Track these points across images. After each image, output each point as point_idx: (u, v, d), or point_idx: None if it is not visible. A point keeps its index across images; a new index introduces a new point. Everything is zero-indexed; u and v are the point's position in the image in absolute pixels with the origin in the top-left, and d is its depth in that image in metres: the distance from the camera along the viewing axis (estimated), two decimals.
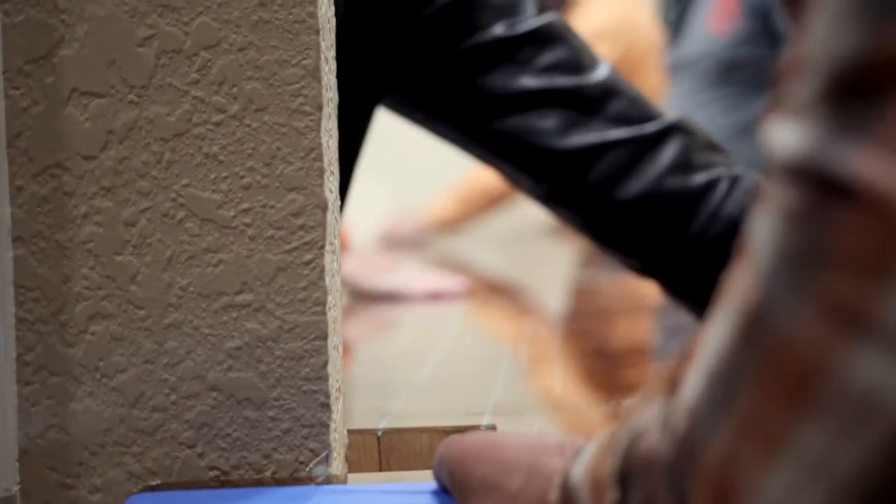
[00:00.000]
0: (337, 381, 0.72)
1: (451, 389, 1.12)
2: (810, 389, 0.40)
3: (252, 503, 0.65)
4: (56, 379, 0.71)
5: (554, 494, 0.56)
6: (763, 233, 0.41)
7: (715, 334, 0.44)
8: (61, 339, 0.71)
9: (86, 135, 0.71)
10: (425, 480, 0.66)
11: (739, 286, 0.42)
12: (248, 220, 0.71)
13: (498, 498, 0.59)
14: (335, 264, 0.73)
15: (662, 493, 0.46)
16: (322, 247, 0.71)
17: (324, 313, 0.71)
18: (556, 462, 0.57)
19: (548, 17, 1.05)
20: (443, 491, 0.64)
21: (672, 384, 0.47)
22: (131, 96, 0.71)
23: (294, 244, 0.71)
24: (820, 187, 0.39)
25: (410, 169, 2.78)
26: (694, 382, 0.44)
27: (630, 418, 0.49)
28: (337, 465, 0.72)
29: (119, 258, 0.71)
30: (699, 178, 1.02)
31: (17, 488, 0.70)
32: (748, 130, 2.12)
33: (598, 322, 1.66)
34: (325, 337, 0.72)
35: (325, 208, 0.71)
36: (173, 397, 0.71)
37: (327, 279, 0.72)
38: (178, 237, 0.71)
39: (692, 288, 1.03)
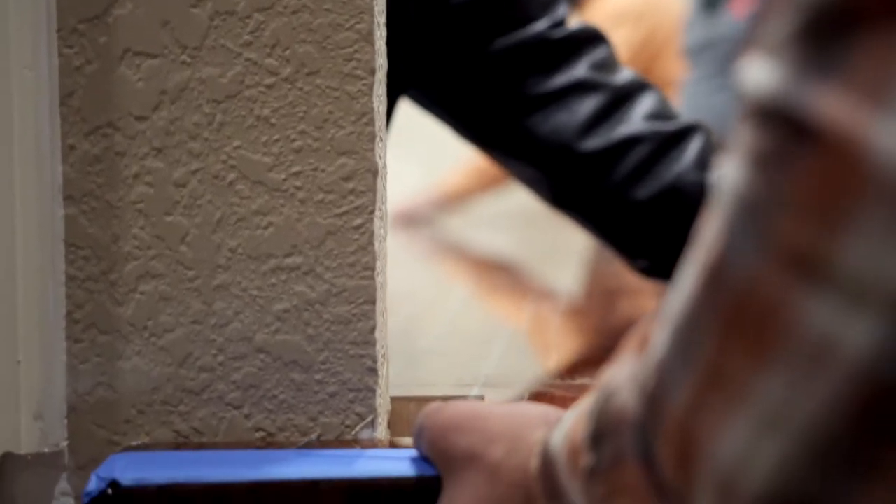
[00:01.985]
0: (383, 346, 0.72)
1: (445, 361, 1.12)
2: (768, 338, 0.38)
3: (228, 466, 0.64)
4: (105, 337, 0.70)
5: (534, 462, 0.54)
6: (729, 179, 0.40)
7: (681, 288, 0.42)
8: (111, 298, 0.70)
9: (138, 95, 0.70)
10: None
11: (705, 237, 0.41)
12: (298, 183, 0.70)
13: (480, 467, 0.57)
14: (383, 230, 0.72)
15: (630, 452, 0.45)
16: (372, 211, 0.70)
17: (372, 278, 0.71)
18: (539, 432, 0.56)
19: (583, 22, 1.05)
20: (423, 459, 0.62)
21: (644, 342, 0.45)
22: (184, 57, 0.70)
23: (344, 208, 0.70)
24: (785, 128, 0.37)
25: (441, 147, 2.76)
26: (661, 337, 0.43)
27: (604, 381, 0.48)
28: (381, 430, 0.71)
29: (169, 219, 0.70)
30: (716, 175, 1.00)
31: (65, 444, 0.70)
32: None
33: (612, 302, 1.65)
34: (373, 301, 0.71)
35: (375, 173, 0.70)
36: (220, 358, 0.71)
37: (376, 244, 0.71)
38: (229, 199, 0.70)
39: None
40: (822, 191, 0.37)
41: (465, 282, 1.80)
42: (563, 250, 2.37)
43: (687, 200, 0.99)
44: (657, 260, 1.02)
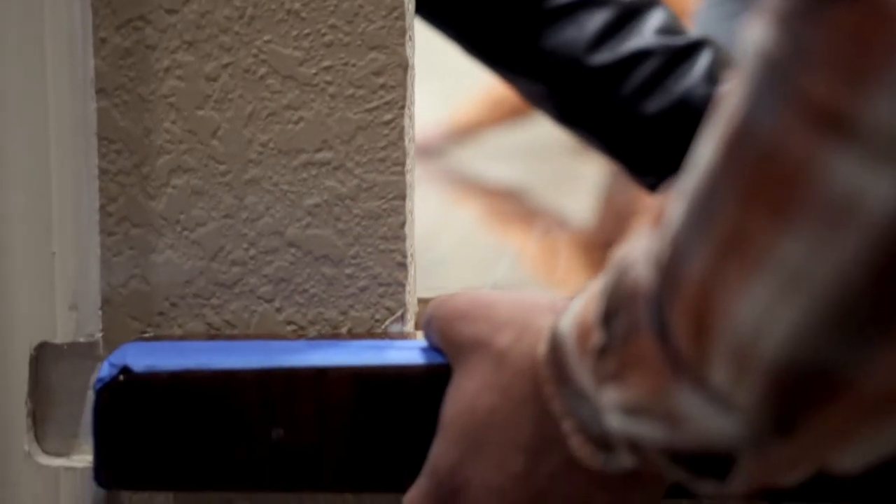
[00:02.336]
0: (412, 244, 0.72)
1: (451, 271, 1.12)
2: (790, 198, 0.38)
3: (239, 354, 0.65)
4: (138, 230, 0.71)
5: (542, 348, 0.54)
6: (754, 40, 0.39)
7: (698, 160, 0.42)
8: (143, 192, 0.71)
9: None
10: None
11: (726, 105, 0.40)
12: (329, 77, 0.70)
13: (487, 353, 0.57)
14: (412, 129, 0.72)
15: (644, 325, 0.44)
16: (402, 107, 0.70)
17: (402, 174, 0.71)
18: (547, 319, 0.55)
19: None
20: (433, 350, 0.63)
21: (658, 218, 0.45)
22: None
23: (375, 103, 0.70)
24: None
25: (455, 80, 2.71)
26: (677, 208, 0.42)
27: (619, 257, 0.48)
28: (411, 325, 0.72)
29: (200, 113, 0.70)
30: None
31: (99, 335, 0.71)
32: None
33: (626, 233, 1.64)
34: (403, 197, 0.71)
35: (405, 68, 0.70)
36: (252, 252, 0.71)
37: (406, 140, 0.71)
38: (259, 93, 0.70)
39: None
40: (850, 44, 0.36)
41: (474, 210, 1.80)
42: (577, 182, 2.35)
43: (697, 115, 0.98)
44: (666, 177, 1.02)
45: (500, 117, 2.45)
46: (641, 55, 0.99)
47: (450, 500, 0.58)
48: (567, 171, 2.56)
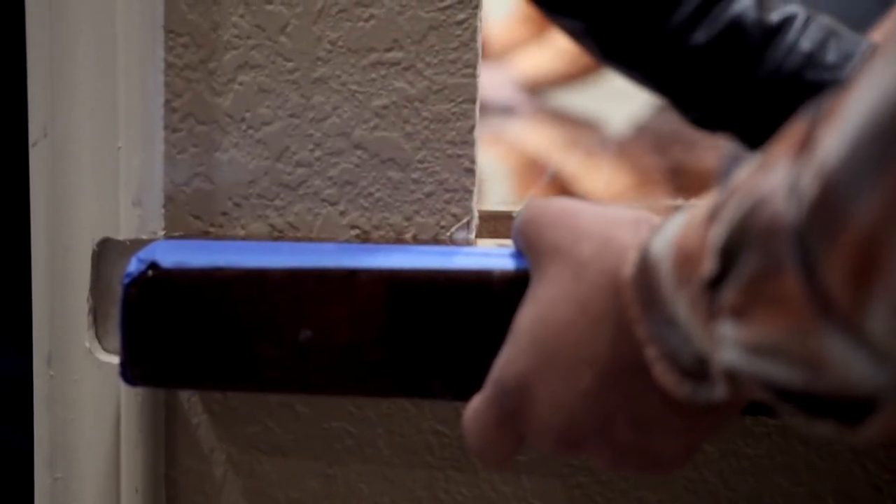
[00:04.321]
0: (479, 149, 0.69)
1: (491, 188, 1.09)
2: None
3: (270, 254, 0.63)
4: (203, 127, 0.69)
5: (629, 269, 0.51)
6: None
7: (870, 89, 0.38)
8: (209, 88, 0.68)
9: None
10: None
11: None
12: None
13: (567, 263, 0.54)
14: (480, 31, 0.69)
15: (789, 261, 0.40)
16: (476, 7, 0.67)
17: (474, 76, 0.67)
18: (629, 235, 0.52)
19: None
20: (518, 254, 0.60)
21: (801, 146, 0.40)
22: None
23: (447, 2, 0.67)
24: None
25: None
26: (836, 141, 0.38)
27: (743, 187, 0.43)
28: (475, 233, 0.69)
29: (269, 7, 0.68)
30: (775, 15, 0.94)
31: (162, 233, 0.69)
32: None
33: (666, 147, 1.59)
34: (473, 100, 0.68)
35: None
36: (317, 153, 0.68)
37: (477, 42, 0.68)
38: None
39: (767, 130, 0.96)
40: None
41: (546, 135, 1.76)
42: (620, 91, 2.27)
43: (745, 41, 0.93)
44: (712, 109, 0.97)
45: (576, 74, 2.37)
46: None
47: (514, 411, 0.55)
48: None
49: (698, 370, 0.49)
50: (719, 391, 0.48)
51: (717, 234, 0.44)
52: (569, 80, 2.41)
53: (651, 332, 0.50)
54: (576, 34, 1.00)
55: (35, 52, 0.68)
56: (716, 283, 0.44)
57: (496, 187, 1.15)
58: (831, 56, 0.93)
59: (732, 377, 0.45)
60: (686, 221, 0.48)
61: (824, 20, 0.95)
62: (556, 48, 2.34)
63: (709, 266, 0.44)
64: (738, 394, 0.47)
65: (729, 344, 0.44)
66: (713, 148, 1.46)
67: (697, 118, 0.99)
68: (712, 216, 0.45)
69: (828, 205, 0.38)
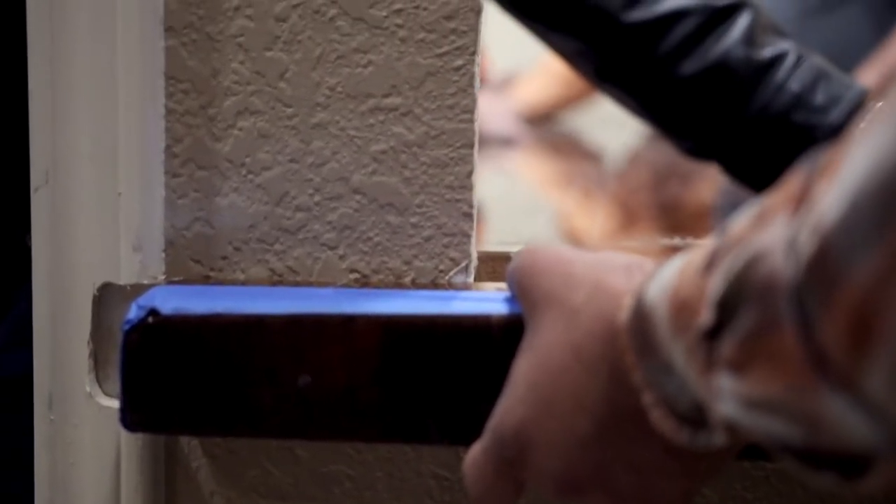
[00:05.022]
0: (476, 193, 0.69)
1: (490, 222, 1.09)
2: None
3: (268, 299, 0.63)
4: (203, 172, 0.69)
5: (624, 315, 0.51)
6: None
7: (871, 148, 0.38)
8: (209, 133, 0.69)
9: None
10: None
11: None
12: (399, 20, 0.67)
13: (560, 310, 0.54)
14: (477, 77, 0.69)
15: (786, 317, 0.40)
16: (473, 53, 0.67)
17: (472, 121, 0.68)
18: (621, 281, 0.52)
19: None
20: (513, 300, 0.60)
21: (799, 201, 0.40)
22: None
23: (445, 48, 0.67)
24: None
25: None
26: (834, 200, 0.37)
27: (741, 239, 0.43)
28: (473, 276, 0.69)
29: (269, 54, 0.68)
30: (766, 52, 0.95)
31: (163, 277, 0.69)
32: (818, 11, 1.98)
33: (662, 182, 1.59)
34: (471, 146, 0.68)
35: (478, 12, 0.67)
36: (317, 198, 0.69)
37: (475, 87, 0.68)
38: (329, 35, 0.68)
39: (753, 166, 0.96)
40: None
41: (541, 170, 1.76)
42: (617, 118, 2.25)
43: (734, 77, 0.94)
44: (703, 140, 0.97)
45: (581, 93, 2.35)
46: (679, 14, 0.95)
47: (513, 459, 0.55)
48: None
49: (696, 416, 0.49)
50: (718, 438, 0.48)
51: (715, 286, 0.44)
52: (568, 103, 2.40)
53: (647, 379, 0.50)
54: (568, 55, 1.01)
55: (37, 99, 0.68)
56: (713, 335, 0.44)
57: (497, 223, 1.15)
58: (819, 98, 0.94)
59: (731, 428, 0.45)
60: (681, 268, 0.48)
61: (815, 60, 0.96)
62: (554, 73, 2.33)
63: (706, 318, 0.44)
64: (737, 441, 0.47)
65: (727, 397, 0.44)
66: (709, 180, 1.46)
67: (690, 148, 0.99)
68: (709, 266, 0.45)
69: (825, 263, 0.38)
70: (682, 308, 0.46)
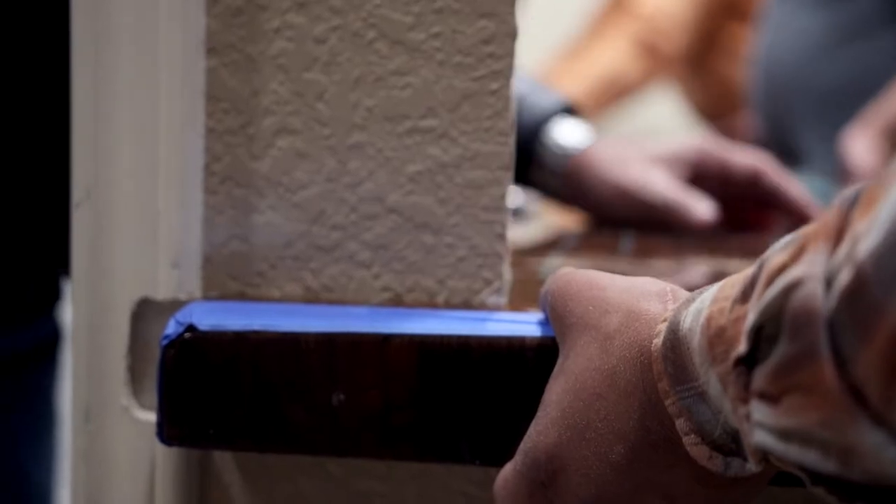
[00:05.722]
0: (509, 215, 0.70)
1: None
2: None
3: (305, 317, 0.63)
4: (241, 190, 0.70)
5: (656, 342, 0.51)
6: None
7: None
8: (248, 152, 0.69)
9: None
10: None
11: None
12: (437, 44, 0.68)
13: (594, 336, 0.54)
14: (512, 100, 0.70)
15: (823, 350, 0.40)
16: (509, 76, 0.68)
17: (507, 144, 0.68)
18: (656, 307, 0.52)
19: None
20: (546, 323, 0.61)
21: (837, 234, 0.40)
22: None
23: (482, 72, 0.68)
24: None
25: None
26: (871, 235, 0.38)
27: (779, 269, 0.43)
28: (506, 297, 0.70)
29: (308, 75, 0.69)
30: None
31: (199, 293, 0.70)
32: (846, 40, 1.97)
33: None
34: (506, 168, 0.68)
35: (514, 37, 0.67)
36: (353, 217, 0.69)
37: (510, 110, 0.69)
38: (367, 58, 0.68)
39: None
40: None
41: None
42: None
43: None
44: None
45: (603, 103, 2.34)
46: None
47: (545, 482, 0.55)
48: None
49: (729, 444, 0.49)
50: (751, 467, 0.48)
51: (752, 316, 0.44)
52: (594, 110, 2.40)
53: (680, 406, 0.50)
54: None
55: (80, 117, 0.69)
56: (749, 365, 0.44)
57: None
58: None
59: (764, 457, 0.45)
60: (715, 296, 0.48)
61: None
62: (572, 85, 2.31)
63: (742, 348, 0.44)
64: (770, 468, 0.47)
65: (761, 426, 0.44)
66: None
67: None
68: (745, 295, 0.45)
69: (862, 298, 0.38)
70: (716, 338, 0.47)
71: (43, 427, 1.07)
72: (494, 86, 0.67)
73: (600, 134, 1.13)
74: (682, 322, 0.49)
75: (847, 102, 1.87)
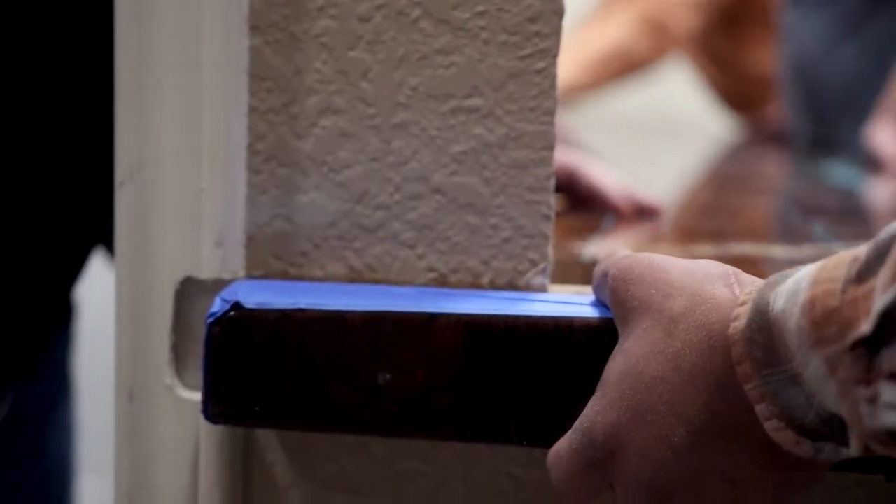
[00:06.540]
0: (555, 195, 0.69)
1: None
2: None
3: (350, 297, 0.63)
4: (284, 170, 0.69)
5: (739, 325, 0.50)
6: None
7: None
8: (291, 131, 0.69)
9: None
10: None
11: None
12: (482, 23, 0.67)
13: (657, 319, 0.53)
14: (557, 79, 0.69)
15: None
16: (555, 55, 0.67)
17: (552, 124, 0.68)
18: (721, 290, 0.52)
19: None
20: (597, 303, 0.60)
21: None
22: None
23: (528, 51, 0.67)
24: None
25: None
26: None
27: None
28: (548, 279, 0.69)
29: (352, 54, 0.68)
30: None
31: (243, 272, 0.69)
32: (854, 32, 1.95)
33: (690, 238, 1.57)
34: (551, 148, 0.68)
35: (560, 15, 0.66)
36: (397, 197, 0.69)
37: (557, 90, 0.68)
38: (412, 36, 0.68)
39: None
40: None
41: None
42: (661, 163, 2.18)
43: None
44: None
45: (608, 77, 2.31)
46: None
47: (602, 461, 0.55)
48: (660, 149, 2.44)
49: (821, 429, 0.49)
50: (850, 451, 0.47)
51: (886, 297, 0.43)
52: (589, 89, 2.36)
53: (763, 391, 0.49)
54: None
55: (123, 97, 0.68)
56: (870, 347, 0.43)
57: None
58: None
59: (887, 439, 0.44)
60: (817, 278, 0.47)
61: None
62: (576, 59, 2.28)
63: (865, 328, 0.44)
64: (885, 453, 0.46)
65: (891, 408, 0.43)
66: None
67: None
68: (860, 277, 0.44)
69: None
70: (825, 318, 0.46)
71: (59, 400, 1.07)
72: (541, 65, 0.67)
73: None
74: (771, 304, 0.49)
75: (866, 91, 1.87)
